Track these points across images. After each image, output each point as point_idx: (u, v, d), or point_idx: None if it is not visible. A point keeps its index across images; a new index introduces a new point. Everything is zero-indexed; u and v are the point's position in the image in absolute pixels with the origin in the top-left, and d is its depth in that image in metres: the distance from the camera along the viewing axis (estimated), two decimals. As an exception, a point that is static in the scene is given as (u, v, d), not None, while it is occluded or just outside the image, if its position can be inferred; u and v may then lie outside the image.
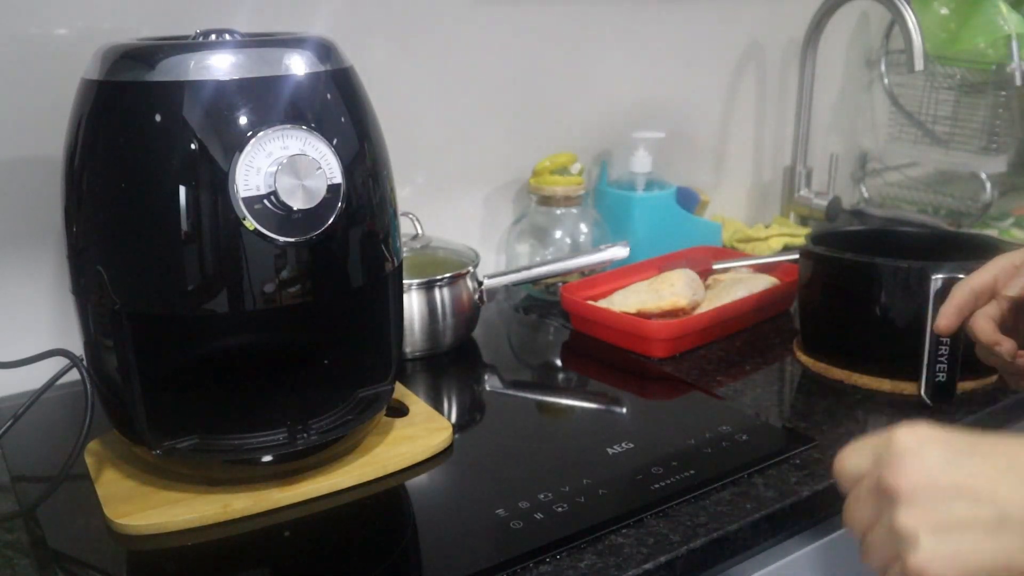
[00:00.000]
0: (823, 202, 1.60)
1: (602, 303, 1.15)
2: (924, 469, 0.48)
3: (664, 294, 1.12)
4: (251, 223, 0.67)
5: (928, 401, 0.91)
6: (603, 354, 1.10)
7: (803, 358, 1.05)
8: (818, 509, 0.80)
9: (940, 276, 0.87)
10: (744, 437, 0.86)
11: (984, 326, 0.78)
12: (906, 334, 0.92)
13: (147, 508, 0.74)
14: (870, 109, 1.78)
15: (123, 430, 0.78)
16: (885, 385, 0.96)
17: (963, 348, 0.88)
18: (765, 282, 1.19)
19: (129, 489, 0.77)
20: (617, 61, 1.42)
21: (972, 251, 1.01)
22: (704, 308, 1.13)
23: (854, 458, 0.54)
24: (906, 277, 0.93)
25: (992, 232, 1.56)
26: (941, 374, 0.90)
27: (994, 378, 0.97)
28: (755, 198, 1.69)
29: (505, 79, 1.31)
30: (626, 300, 1.14)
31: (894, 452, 0.49)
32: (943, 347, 0.89)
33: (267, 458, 0.76)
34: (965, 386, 0.94)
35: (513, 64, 1.31)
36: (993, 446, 0.49)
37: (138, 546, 0.72)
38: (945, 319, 0.81)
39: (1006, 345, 0.77)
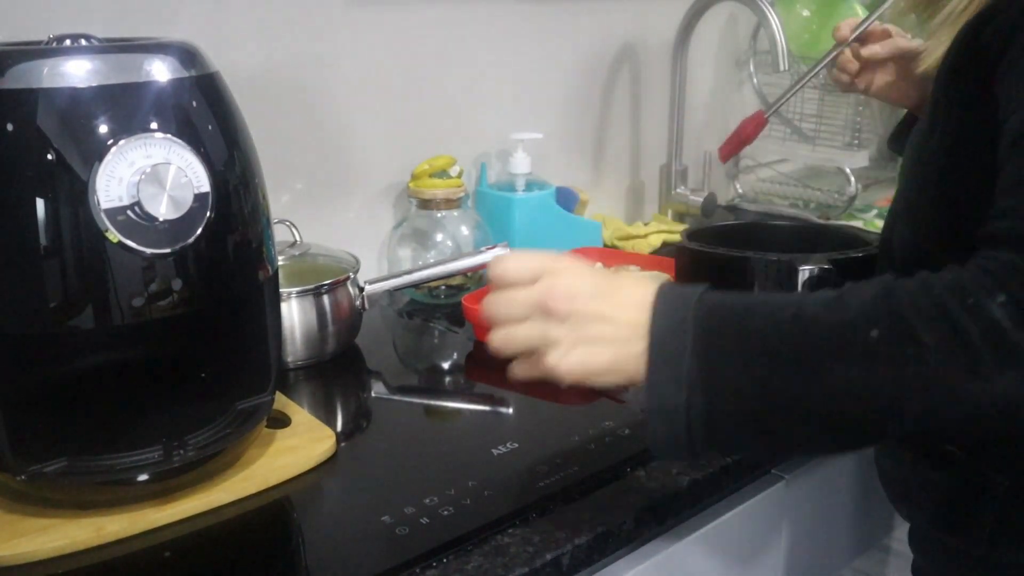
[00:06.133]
0: (699, 199, 1.64)
1: None
2: (578, 299, 0.65)
3: None
4: (114, 235, 0.65)
5: (801, 388, 0.94)
6: (489, 356, 1.09)
7: (682, 352, 1.07)
8: (700, 498, 0.82)
9: (808, 267, 0.90)
10: (627, 431, 0.88)
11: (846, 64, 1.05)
12: (778, 324, 0.95)
13: (14, 536, 0.70)
14: (741, 108, 1.83)
15: (-16, 456, 0.74)
16: (760, 374, 0.99)
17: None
18: (662, 278, 1.21)
19: (-7, 517, 0.73)
20: (494, 63, 1.43)
21: (839, 242, 1.05)
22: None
23: (517, 271, 0.67)
24: (776, 269, 0.96)
25: (858, 223, 1.62)
26: (812, 361, 0.92)
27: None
28: (634, 196, 1.73)
29: (381, 82, 1.30)
30: None
31: (558, 283, 0.66)
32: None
33: (142, 477, 0.74)
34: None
35: (389, 67, 1.30)
36: (620, 288, 0.66)
37: (5, 577, 0.69)
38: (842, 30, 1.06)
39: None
